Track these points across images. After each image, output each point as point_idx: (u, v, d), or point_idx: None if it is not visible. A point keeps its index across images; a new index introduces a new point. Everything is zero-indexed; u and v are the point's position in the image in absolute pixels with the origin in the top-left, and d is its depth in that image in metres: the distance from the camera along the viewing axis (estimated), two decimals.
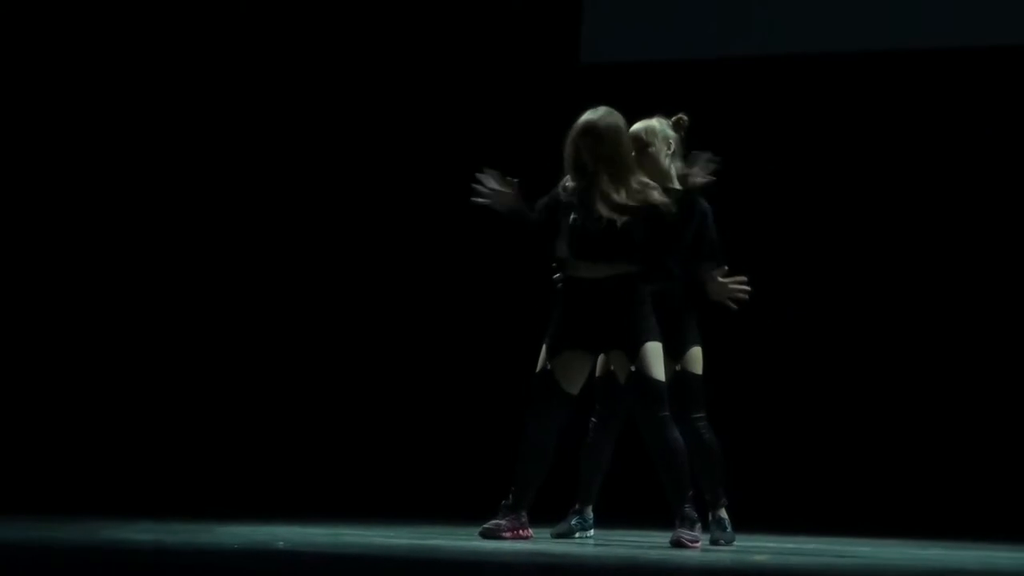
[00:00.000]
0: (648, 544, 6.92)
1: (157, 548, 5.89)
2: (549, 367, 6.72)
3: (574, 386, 6.75)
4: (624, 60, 10.19)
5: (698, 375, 6.95)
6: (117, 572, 4.94)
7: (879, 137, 9.99)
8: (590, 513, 7.25)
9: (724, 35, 10.21)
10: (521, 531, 6.79)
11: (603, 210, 6.65)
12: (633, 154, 6.74)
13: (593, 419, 7.07)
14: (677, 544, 6.54)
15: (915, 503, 9.38)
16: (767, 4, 10.15)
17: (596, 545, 6.92)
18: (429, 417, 10.31)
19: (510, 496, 6.84)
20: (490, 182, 6.87)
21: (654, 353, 6.61)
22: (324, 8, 10.84)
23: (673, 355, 6.85)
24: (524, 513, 6.84)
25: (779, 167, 10.03)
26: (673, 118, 7.04)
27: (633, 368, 6.62)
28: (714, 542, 6.84)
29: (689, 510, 6.58)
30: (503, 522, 6.78)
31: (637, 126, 6.97)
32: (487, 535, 6.75)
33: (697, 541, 6.56)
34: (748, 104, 10.10)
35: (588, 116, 6.70)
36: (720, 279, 6.84)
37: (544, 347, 6.77)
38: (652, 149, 6.94)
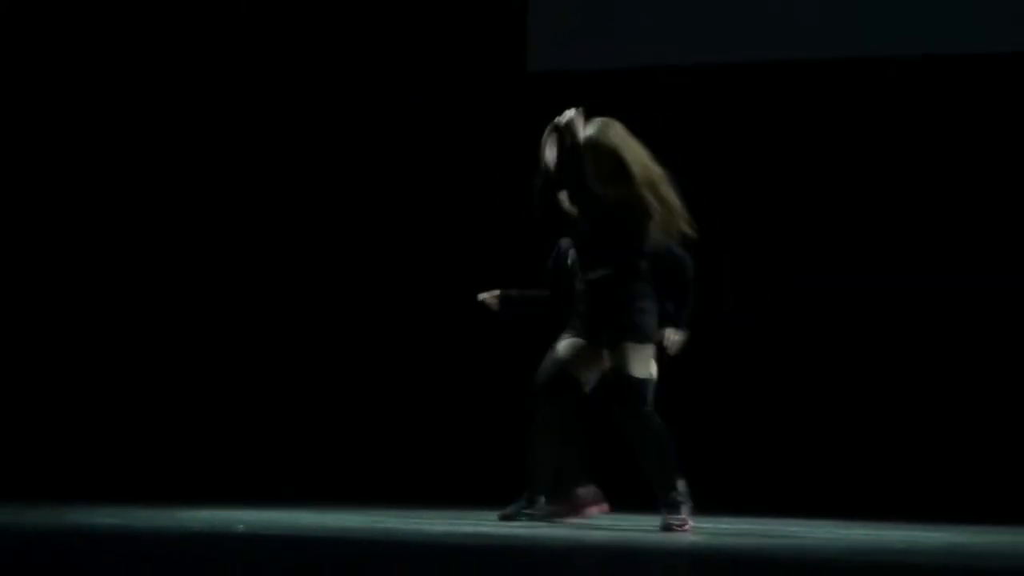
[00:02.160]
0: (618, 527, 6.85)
1: (122, 532, 5.86)
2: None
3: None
4: (570, 68, 10.08)
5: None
6: (84, 555, 4.87)
7: (821, 141, 9.88)
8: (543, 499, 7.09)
9: (670, 44, 10.08)
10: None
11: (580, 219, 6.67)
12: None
13: (542, 410, 6.92)
14: (667, 529, 6.44)
15: (849, 485, 9.32)
16: (711, 13, 10.05)
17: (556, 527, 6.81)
18: (390, 405, 10.16)
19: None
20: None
21: (633, 352, 6.51)
22: (280, 22, 10.68)
23: None
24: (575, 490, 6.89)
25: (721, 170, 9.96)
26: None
27: (611, 367, 6.54)
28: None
29: (674, 496, 6.48)
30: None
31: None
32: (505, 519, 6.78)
33: (686, 524, 6.44)
34: (693, 111, 10.00)
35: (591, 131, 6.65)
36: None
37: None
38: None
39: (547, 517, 6.92)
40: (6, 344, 10.42)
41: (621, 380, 6.50)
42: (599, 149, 6.61)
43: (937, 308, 9.65)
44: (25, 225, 10.52)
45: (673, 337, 6.86)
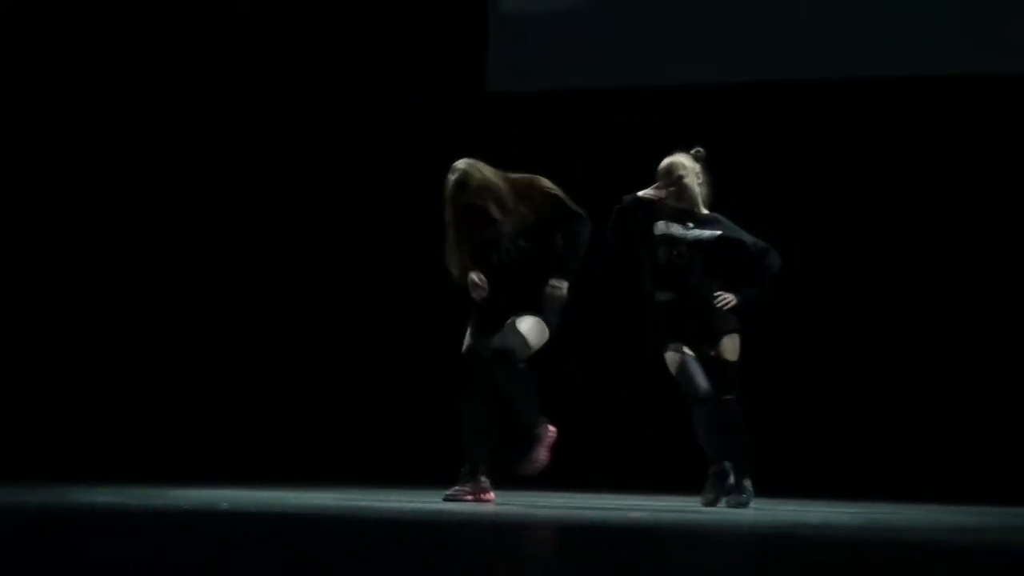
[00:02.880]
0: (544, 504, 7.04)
1: (118, 508, 5.97)
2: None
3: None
4: (528, 90, 10.19)
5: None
6: (81, 530, 4.97)
7: (784, 162, 10.01)
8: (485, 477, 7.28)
9: (627, 65, 10.12)
10: (483, 495, 7.01)
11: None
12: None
13: (467, 393, 7.15)
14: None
15: (774, 466, 9.39)
16: (668, 34, 10.08)
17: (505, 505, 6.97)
18: (368, 393, 10.36)
19: (466, 464, 7.03)
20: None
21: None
22: (253, 39, 10.83)
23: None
24: (483, 478, 7.04)
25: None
26: (692, 151, 7.30)
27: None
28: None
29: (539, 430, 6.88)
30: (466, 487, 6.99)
31: (669, 161, 7.26)
32: (451, 499, 6.91)
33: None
34: (649, 133, 9.79)
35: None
36: None
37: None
38: (686, 180, 7.25)
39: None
40: (9, 332, 10.49)
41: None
42: None
43: (878, 302, 9.85)
44: (23, 211, 10.56)
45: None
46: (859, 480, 9.15)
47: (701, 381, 7.11)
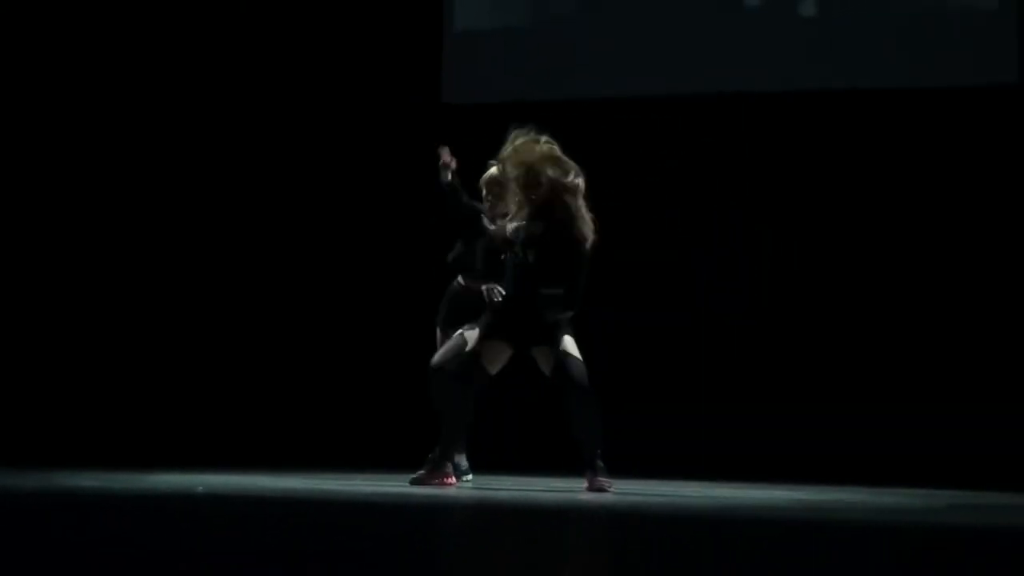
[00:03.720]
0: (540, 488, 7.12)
1: (101, 492, 6.05)
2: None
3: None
4: (483, 101, 10.11)
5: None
6: (67, 512, 5.07)
7: (730, 173, 9.96)
8: (465, 460, 7.53)
9: (581, 77, 10.08)
10: (445, 479, 7.02)
11: None
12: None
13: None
14: (598, 488, 6.73)
15: (716, 450, 9.57)
16: (621, 47, 10.03)
17: (486, 488, 7.09)
18: (338, 383, 10.33)
19: (435, 450, 7.03)
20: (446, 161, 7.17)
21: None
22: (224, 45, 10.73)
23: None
24: (448, 464, 7.05)
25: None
26: None
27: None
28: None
29: (599, 460, 6.80)
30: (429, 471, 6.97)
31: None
32: (416, 483, 6.92)
33: (611, 484, 6.75)
34: (605, 144, 9.97)
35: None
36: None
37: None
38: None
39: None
40: (4, 321, 10.43)
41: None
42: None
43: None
44: (19, 205, 10.53)
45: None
46: (796, 465, 9.29)
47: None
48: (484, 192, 7.44)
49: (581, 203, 6.94)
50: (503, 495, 6.75)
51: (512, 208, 6.97)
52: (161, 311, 10.62)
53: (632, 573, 3.70)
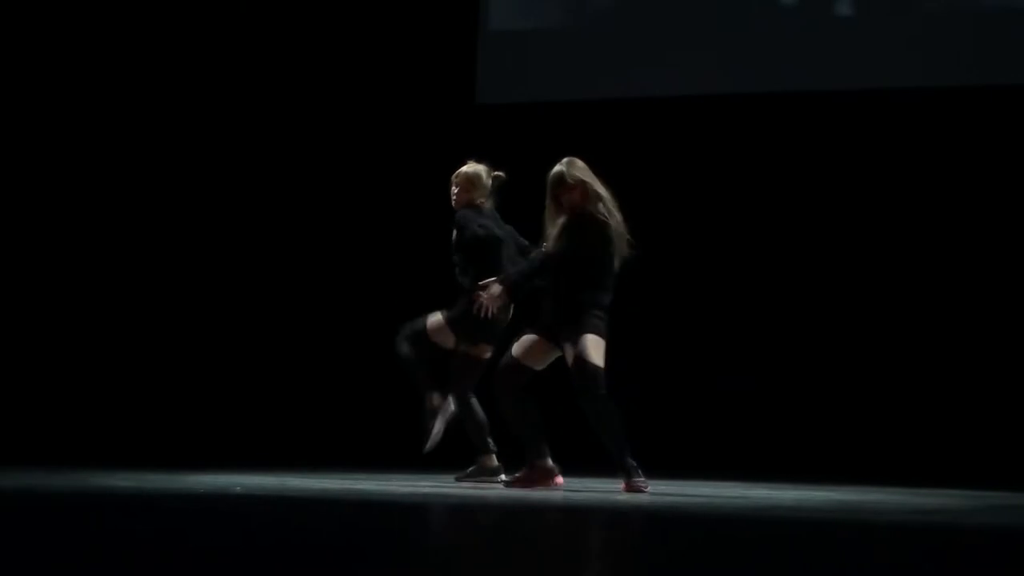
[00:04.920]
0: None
1: (137, 492, 6.01)
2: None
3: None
4: (517, 101, 10.15)
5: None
6: (103, 512, 5.05)
7: (768, 172, 9.94)
8: (495, 460, 7.42)
9: (616, 77, 10.07)
10: (554, 479, 6.97)
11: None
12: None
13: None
14: (634, 489, 6.68)
15: (751, 450, 9.54)
16: (655, 48, 10.02)
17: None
18: (365, 384, 10.29)
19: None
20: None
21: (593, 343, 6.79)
22: (248, 46, 10.77)
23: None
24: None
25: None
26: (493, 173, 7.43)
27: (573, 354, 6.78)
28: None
29: (630, 461, 6.75)
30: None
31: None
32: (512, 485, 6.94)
33: (647, 485, 6.70)
34: (638, 143, 10.03)
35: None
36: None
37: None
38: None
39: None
40: (35, 324, 10.50)
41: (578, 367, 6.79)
42: None
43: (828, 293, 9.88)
44: (48, 206, 10.57)
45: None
46: (831, 465, 9.22)
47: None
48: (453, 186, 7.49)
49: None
50: (537, 496, 6.67)
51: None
52: (199, 314, 10.68)
53: (668, 573, 3.63)
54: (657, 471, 7.14)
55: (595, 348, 6.81)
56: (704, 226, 10.03)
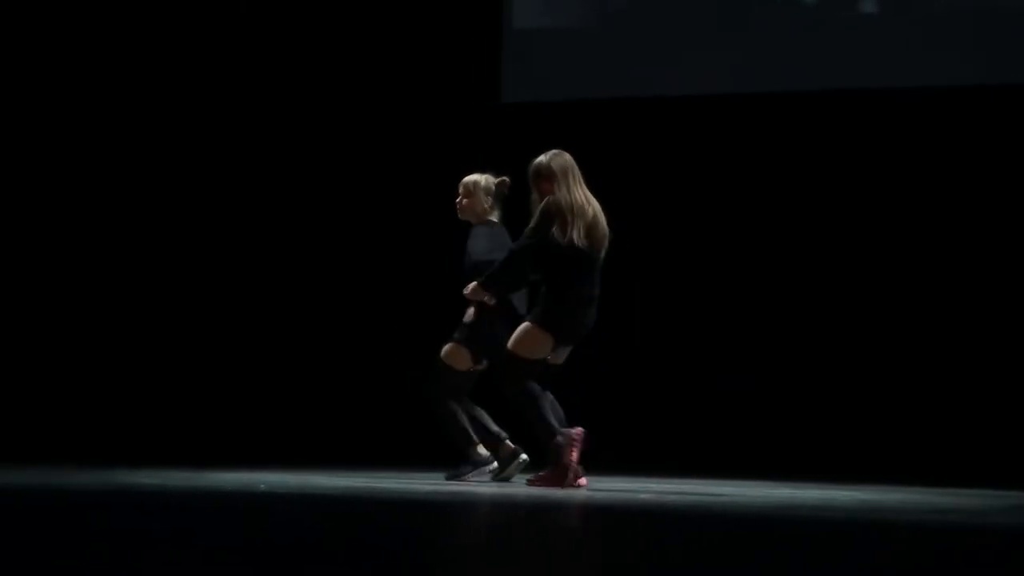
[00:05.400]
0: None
1: (161, 490, 6.03)
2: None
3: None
4: (542, 100, 10.12)
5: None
6: (128, 510, 5.06)
7: (781, 171, 9.90)
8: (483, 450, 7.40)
9: (639, 76, 10.03)
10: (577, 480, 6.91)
11: None
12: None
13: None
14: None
15: (773, 449, 9.48)
16: (683, 47, 9.98)
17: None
18: (386, 382, 10.29)
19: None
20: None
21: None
22: (272, 44, 10.74)
23: None
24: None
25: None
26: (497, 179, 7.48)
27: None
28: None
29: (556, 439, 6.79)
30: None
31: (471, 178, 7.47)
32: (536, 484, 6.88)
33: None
34: (662, 141, 10.01)
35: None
36: None
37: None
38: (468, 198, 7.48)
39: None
40: (59, 324, 10.51)
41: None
42: None
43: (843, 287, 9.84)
44: (73, 205, 10.57)
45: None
46: (853, 464, 9.19)
47: None
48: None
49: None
50: (560, 496, 6.64)
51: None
52: (227, 312, 10.70)
53: (690, 571, 3.63)
54: (657, 471, 7.20)
55: (524, 337, 6.84)
56: (705, 226, 10.03)
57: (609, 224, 7.01)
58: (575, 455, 6.81)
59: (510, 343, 6.89)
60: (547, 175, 6.95)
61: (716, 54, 9.98)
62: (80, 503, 5.32)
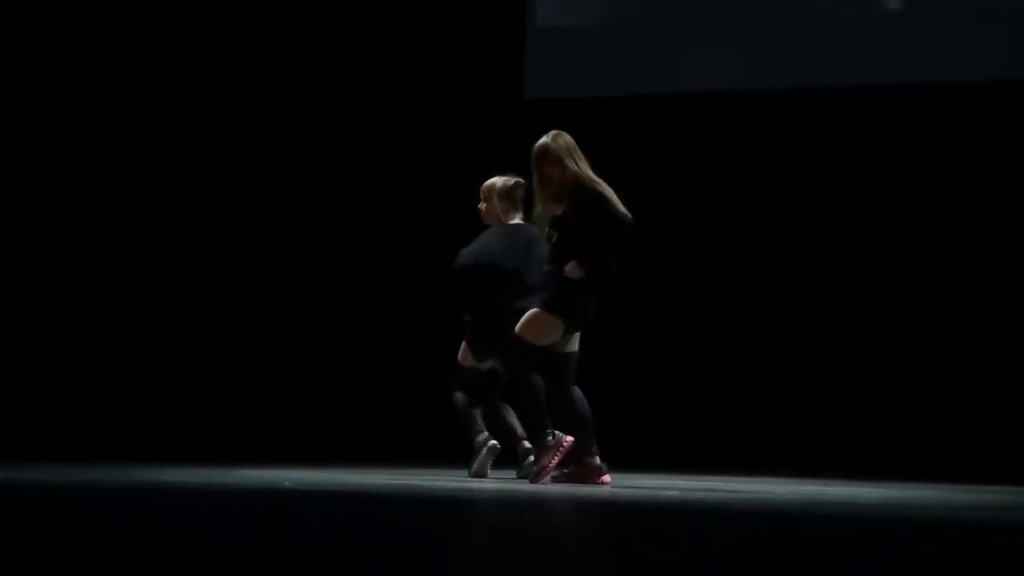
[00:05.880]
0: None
1: (184, 487, 6.04)
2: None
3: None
4: (564, 97, 10.06)
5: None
6: (151, 507, 5.06)
7: (805, 167, 9.86)
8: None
9: (663, 73, 10.01)
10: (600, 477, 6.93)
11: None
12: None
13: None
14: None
15: (800, 447, 9.44)
16: (703, 44, 9.95)
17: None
18: (416, 379, 10.21)
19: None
20: None
21: None
22: (294, 40, 10.74)
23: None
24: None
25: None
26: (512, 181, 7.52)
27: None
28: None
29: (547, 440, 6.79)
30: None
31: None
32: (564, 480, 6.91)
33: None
34: (684, 138, 9.98)
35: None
36: None
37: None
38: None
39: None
40: (83, 323, 10.51)
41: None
42: None
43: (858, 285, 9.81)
44: (86, 205, 10.57)
45: None
46: (877, 461, 9.15)
47: None
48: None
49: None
50: (584, 492, 6.61)
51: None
52: (253, 311, 10.71)
53: (716, 567, 3.61)
54: (658, 471, 7.22)
55: (533, 322, 6.83)
56: (706, 225, 10.02)
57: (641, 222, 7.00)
58: (555, 461, 6.80)
59: (517, 327, 6.84)
60: (554, 158, 6.87)
61: (742, 50, 9.96)
62: (105, 500, 5.32)
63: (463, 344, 7.57)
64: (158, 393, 10.46)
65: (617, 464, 7.18)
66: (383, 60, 10.68)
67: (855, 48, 9.74)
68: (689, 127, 10.09)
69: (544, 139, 6.93)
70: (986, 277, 9.57)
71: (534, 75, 10.28)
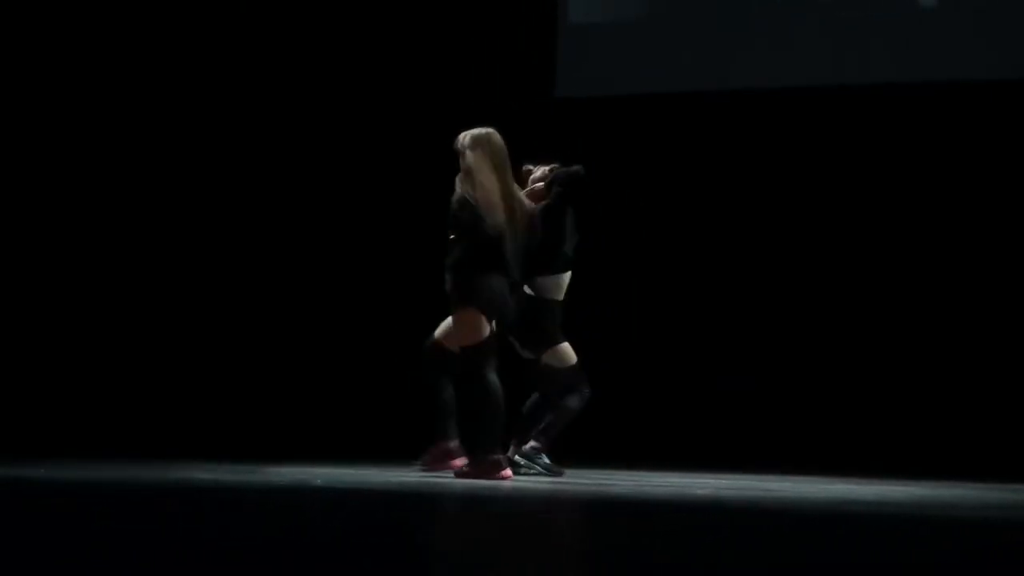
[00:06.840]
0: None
1: (216, 484, 6.05)
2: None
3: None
4: (596, 95, 10.06)
5: None
6: (185, 504, 5.10)
7: (830, 165, 9.84)
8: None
9: (695, 70, 9.99)
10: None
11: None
12: None
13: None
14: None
15: (829, 445, 9.43)
16: (734, 42, 9.94)
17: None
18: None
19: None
20: None
21: None
22: (313, 36, 10.71)
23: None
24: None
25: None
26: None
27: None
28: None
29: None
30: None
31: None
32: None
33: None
34: (715, 135, 9.98)
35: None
36: None
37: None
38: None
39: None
40: (109, 323, 10.54)
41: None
42: None
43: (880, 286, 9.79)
44: (98, 206, 10.57)
45: None
46: (910, 460, 9.09)
47: None
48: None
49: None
50: (621, 491, 6.54)
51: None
52: (281, 309, 10.71)
53: (742, 565, 3.60)
54: (658, 470, 7.15)
55: (460, 328, 7.05)
56: (706, 225, 9.99)
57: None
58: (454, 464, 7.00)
59: (455, 340, 7.03)
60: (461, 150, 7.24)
61: (775, 45, 9.93)
62: (136, 498, 5.33)
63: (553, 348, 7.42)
64: (192, 391, 10.47)
65: (617, 463, 7.16)
66: (415, 57, 10.68)
67: (902, 44, 9.74)
68: (704, 126, 10.08)
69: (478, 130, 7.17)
70: (1011, 273, 9.54)
71: (566, 72, 10.27)
